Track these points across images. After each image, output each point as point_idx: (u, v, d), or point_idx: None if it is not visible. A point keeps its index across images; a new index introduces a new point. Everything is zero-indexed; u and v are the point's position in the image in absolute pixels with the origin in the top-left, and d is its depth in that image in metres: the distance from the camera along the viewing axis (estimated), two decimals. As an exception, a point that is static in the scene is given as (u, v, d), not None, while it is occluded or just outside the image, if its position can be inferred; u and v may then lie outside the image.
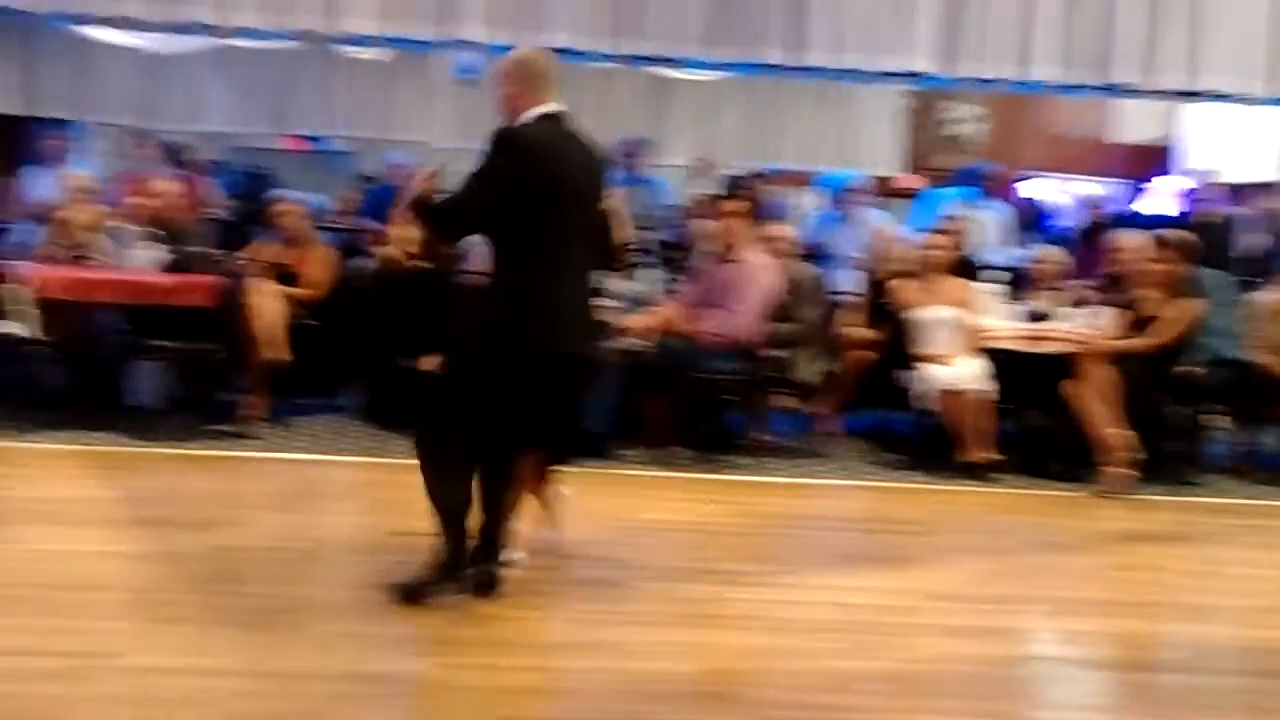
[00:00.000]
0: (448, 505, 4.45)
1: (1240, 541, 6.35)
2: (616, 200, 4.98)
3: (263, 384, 7.32)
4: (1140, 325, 7.13)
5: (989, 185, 9.98)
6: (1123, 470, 6.85)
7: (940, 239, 7.55)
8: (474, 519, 4.50)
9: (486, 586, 4.52)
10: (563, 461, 5.07)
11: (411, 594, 4.41)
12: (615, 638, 4.23)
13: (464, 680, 3.82)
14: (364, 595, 4.58)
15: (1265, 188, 10.62)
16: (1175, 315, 7.09)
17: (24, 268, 7.04)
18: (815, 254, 9.47)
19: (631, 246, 5.30)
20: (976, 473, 7.04)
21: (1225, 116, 11.09)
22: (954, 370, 7.06)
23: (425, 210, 4.48)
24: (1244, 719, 3.94)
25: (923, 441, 7.48)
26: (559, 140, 4.41)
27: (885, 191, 13.48)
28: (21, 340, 6.74)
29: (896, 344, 7.40)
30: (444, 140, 13.14)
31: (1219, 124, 11.68)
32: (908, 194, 12.65)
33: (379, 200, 9.24)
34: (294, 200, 8.21)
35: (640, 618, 4.44)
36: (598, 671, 3.95)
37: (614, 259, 5.61)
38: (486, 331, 4.40)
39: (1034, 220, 11.42)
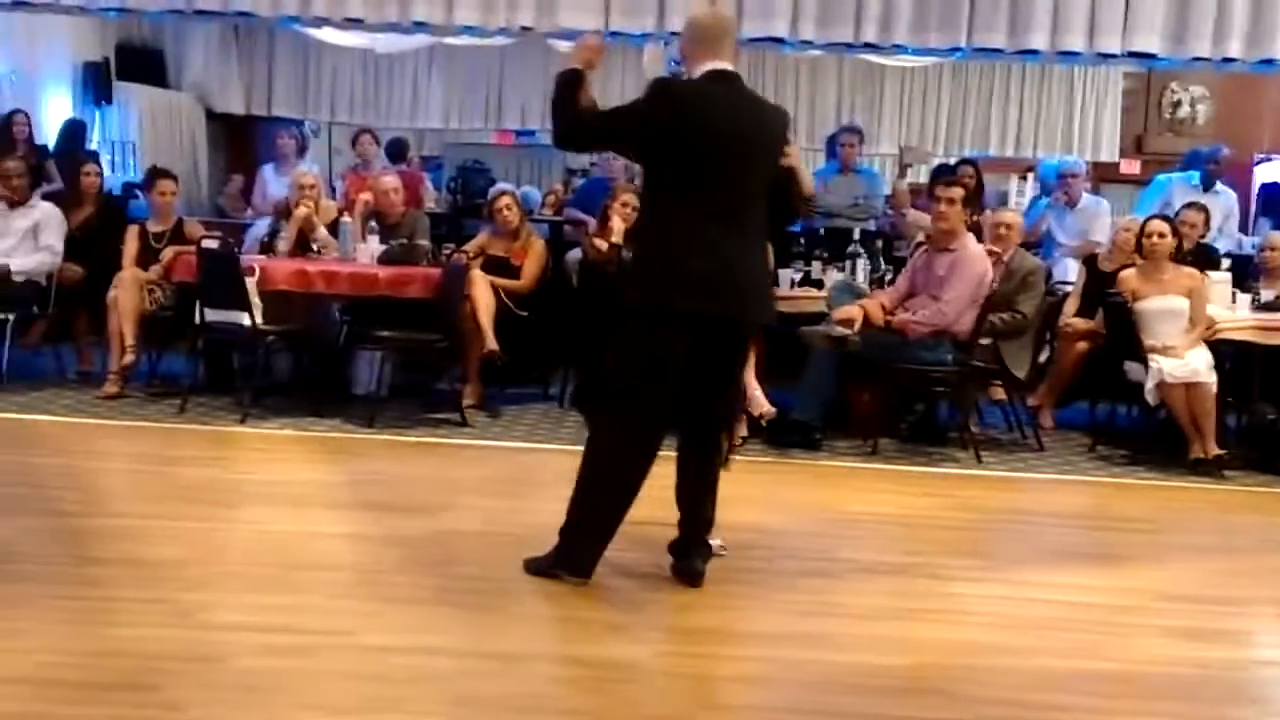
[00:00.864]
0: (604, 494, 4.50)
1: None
2: (795, 155, 4.84)
3: (478, 374, 7.52)
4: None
5: (1214, 169, 9.54)
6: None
7: (1163, 225, 7.25)
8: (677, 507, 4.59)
9: (692, 578, 4.50)
10: (716, 440, 4.68)
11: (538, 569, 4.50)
12: (824, 629, 4.20)
13: (676, 668, 3.86)
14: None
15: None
16: None
17: (255, 261, 7.37)
18: (1034, 242, 9.24)
19: (811, 202, 5.15)
20: (1205, 469, 6.76)
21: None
22: (1183, 362, 6.79)
23: (562, 93, 4.47)
24: None
25: (1147, 436, 7.22)
26: (719, 96, 4.34)
27: (1106, 178, 13.07)
28: (253, 330, 7.05)
29: (1121, 335, 7.15)
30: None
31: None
32: (1131, 180, 12.24)
33: (588, 193, 9.39)
34: (509, 193, 8.38)
35: (849, 610, 4.40)
36: (806, 662, 3.93)
37: (794, 214, 5.57)
38: (630, 286, 4.44)
39: (1269, 205, 10.91)
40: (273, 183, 9.64)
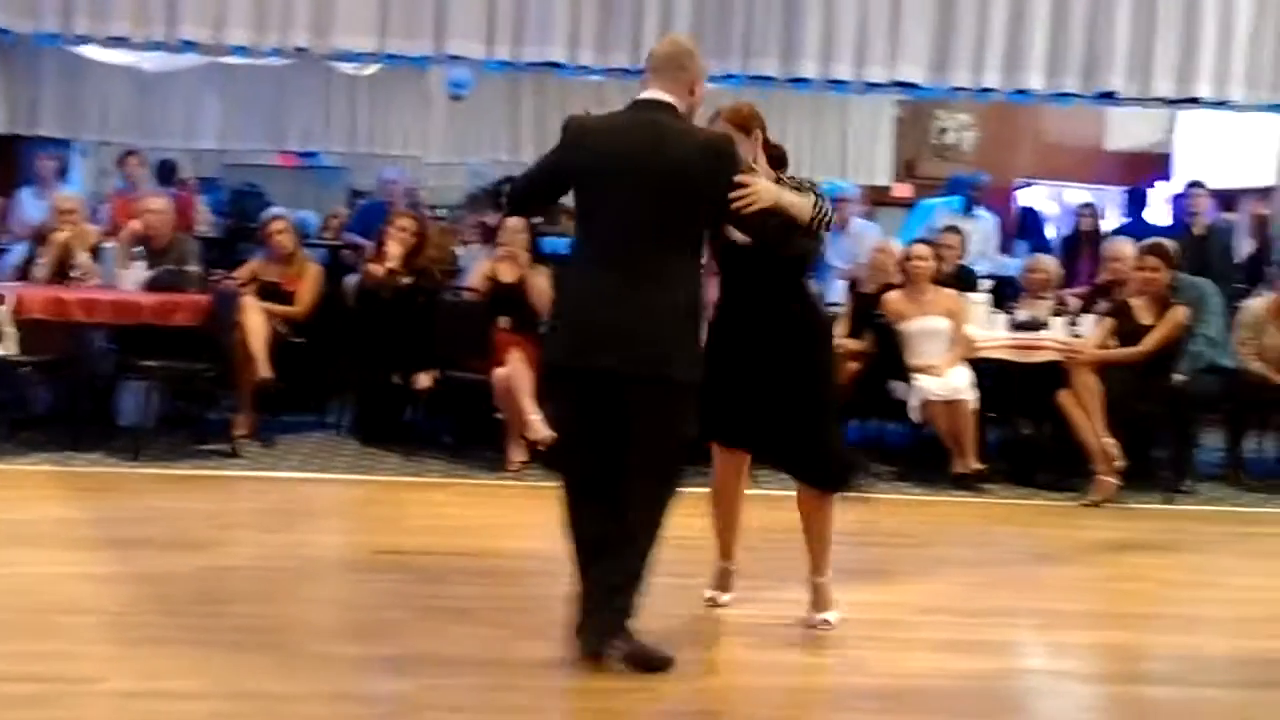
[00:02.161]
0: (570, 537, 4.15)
1: (1231, 550, 6.33)
2: (761, 191, 3.99)
3: (251, 403, 7.32)
4: (1129, 334, 7.12)
5: (977, 194, 9.98)
6: (1112, 479, 6.85)
7: (924, 249, 7.55)
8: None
9: (582, 649, 4.07)
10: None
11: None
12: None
13: (450, 700, 3.79)
14: (350, 615, 4.57)
15: (1256, 194, 10.64)
16: (1163, 323, 7.08)
17: (6, 288, 7.04)
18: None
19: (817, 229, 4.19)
20: (966, 483, 7.03)
21: (1218, 123, 11.09)
22: (944, 380, 7.05)
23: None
24: (1233, 731, 3.91)
25: (913, 452, 7.47)
26: (619, 126, 4.06)
27: (879, 201, 13.52)
28: (5, 361, 6.72)
29: (886, 354, 7.40)
30: (438, 155, 13.17)
31: (1212, 131, 11.68)
32: (903, 203, 12.67)
33: (369, 215, 9.25)
34: (282, 216, 8.20)
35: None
36: (584, 691, 3.93)
37: (796, 251, 4.37)
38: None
39: (1027, 229, 11.43)
40: (30, 206, 9.22)
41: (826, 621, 4.53)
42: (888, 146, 13.62)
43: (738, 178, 3.97)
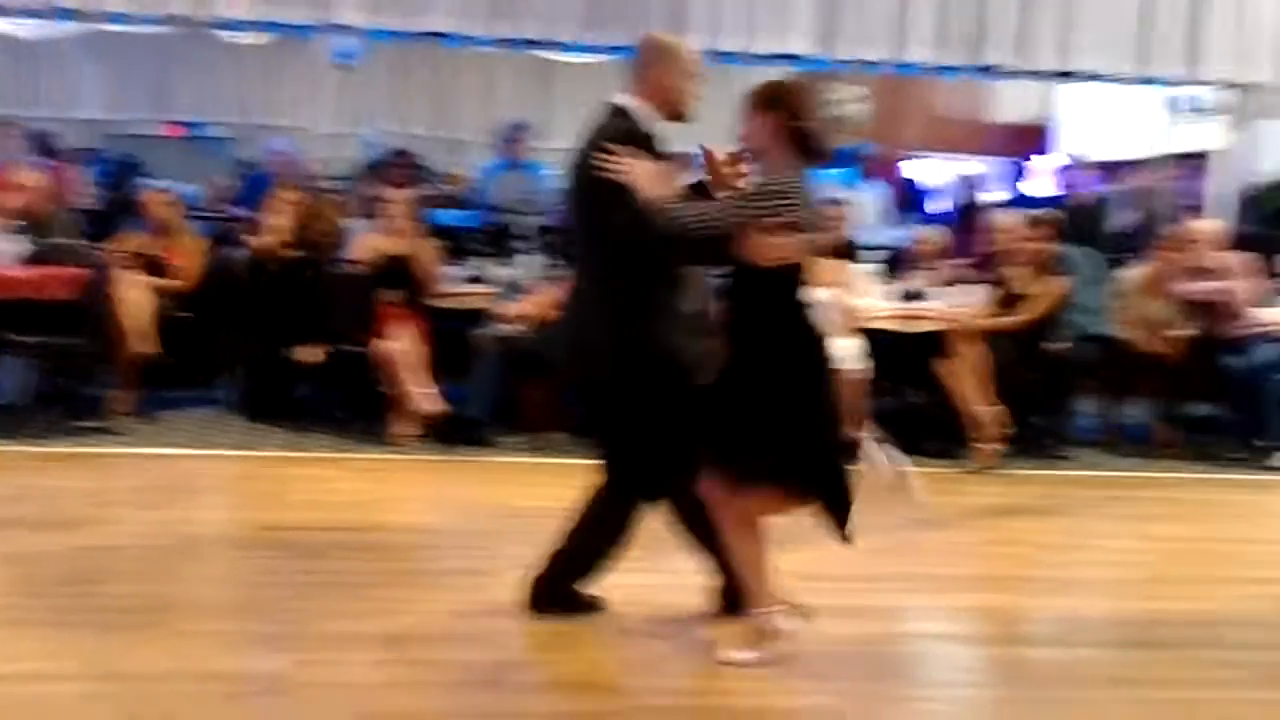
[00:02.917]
0: None
1: (1108, 513, 6.49)
2: (631, 169, 3.85)
3: (131, 378, 7.16)
4: (1011, 303, 7.25)
5: (867, 166, 10.08)
6: (994, 446, 6.98)
7: (814, 221, 7.58)
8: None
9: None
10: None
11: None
12: (482, 628, 4.20)
13: (326, 677, 3.76)
14: (229, 592, 4.51)
15: (1136, 166, 10.87)
16: (1044, 293, 7.22)
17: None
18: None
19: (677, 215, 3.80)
20: (852, 451, 7.11)
21: (1100, 96, 11.30)
22: (831, 350, 7.10)
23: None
24: (1111, 690, 4.00)
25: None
26: (582, 138, 4.09)
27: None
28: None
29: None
30: (327, 126, 12.98)
31: (1094, 104, 11.91)
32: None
33: (255, 187, 9.09)
34: (162, 189, 8.03)
35: (508, 607, 4.40)
36: (466, 663, 3.92)
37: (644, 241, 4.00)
38: None
39: (914, 200, 11.58)
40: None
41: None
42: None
43: (614, 147, 3.88)
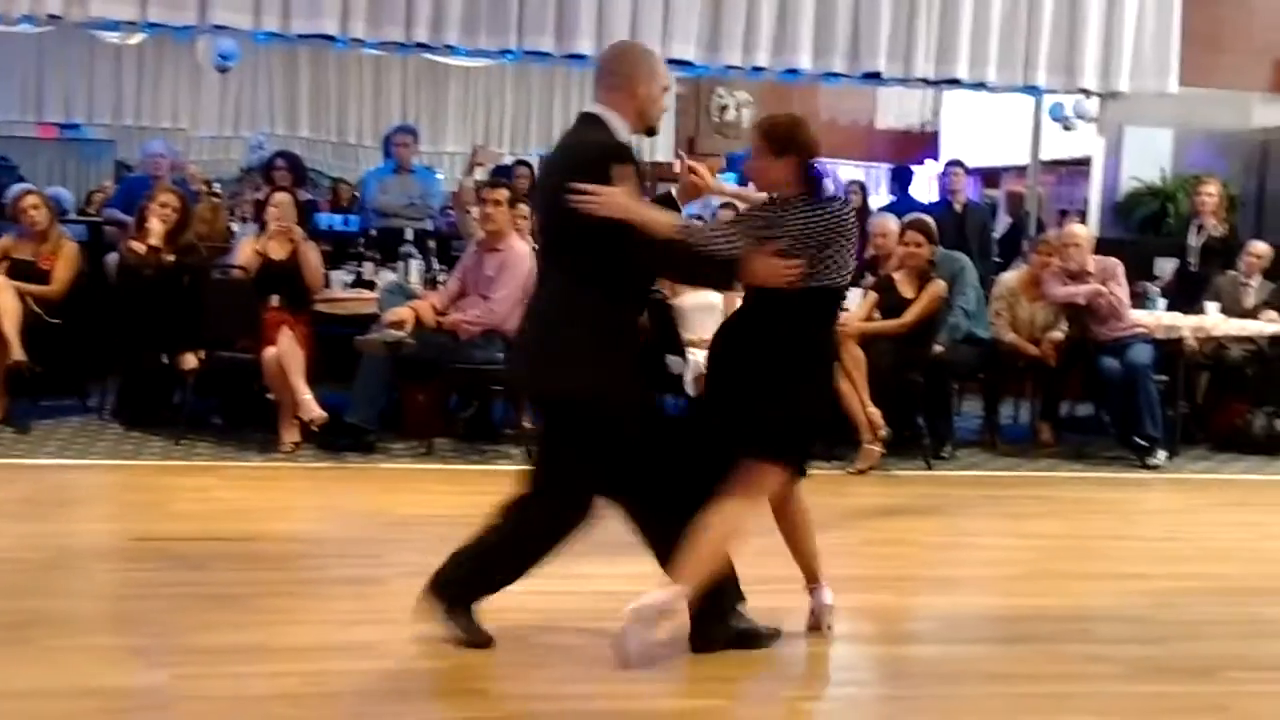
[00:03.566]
0: None
1: (988, 512, 6.62)
2: (609, 200, 3.76)
3: (3, 386, 6.97)
4: (892, 306, 7.37)
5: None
6: (876, 447, 7.09)
7: (700, 226, 7.64)
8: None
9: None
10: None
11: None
12: (369, 637, 4.16)
13: (207, 690, 3.70)
14: (105, 606, 4.41)
15: (1015, 171, 11.13)
16: (923, 296, 7.35)
17: None
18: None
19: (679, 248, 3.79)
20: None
21: (981, 104, 11.55)
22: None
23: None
24: (987, 686, 4.07)
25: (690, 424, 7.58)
26: (553, 150, 4.15)
27: (663, 177, 13.64)
28: None
29: (662, 330, 7.48)
30: (208, 129, 12.78)
31: (975, 111, 12.17)
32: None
33: (128, 192, 8.89)
34: (35, 191, 7.82)
35: (393, 616, 4.36)
36: (348, 673, 3.87)
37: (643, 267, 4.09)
38: None
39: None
40: None
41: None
42: (668, 123, 13.78)
43: (586, 185, 3.75)
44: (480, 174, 10.50)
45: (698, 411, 4.09)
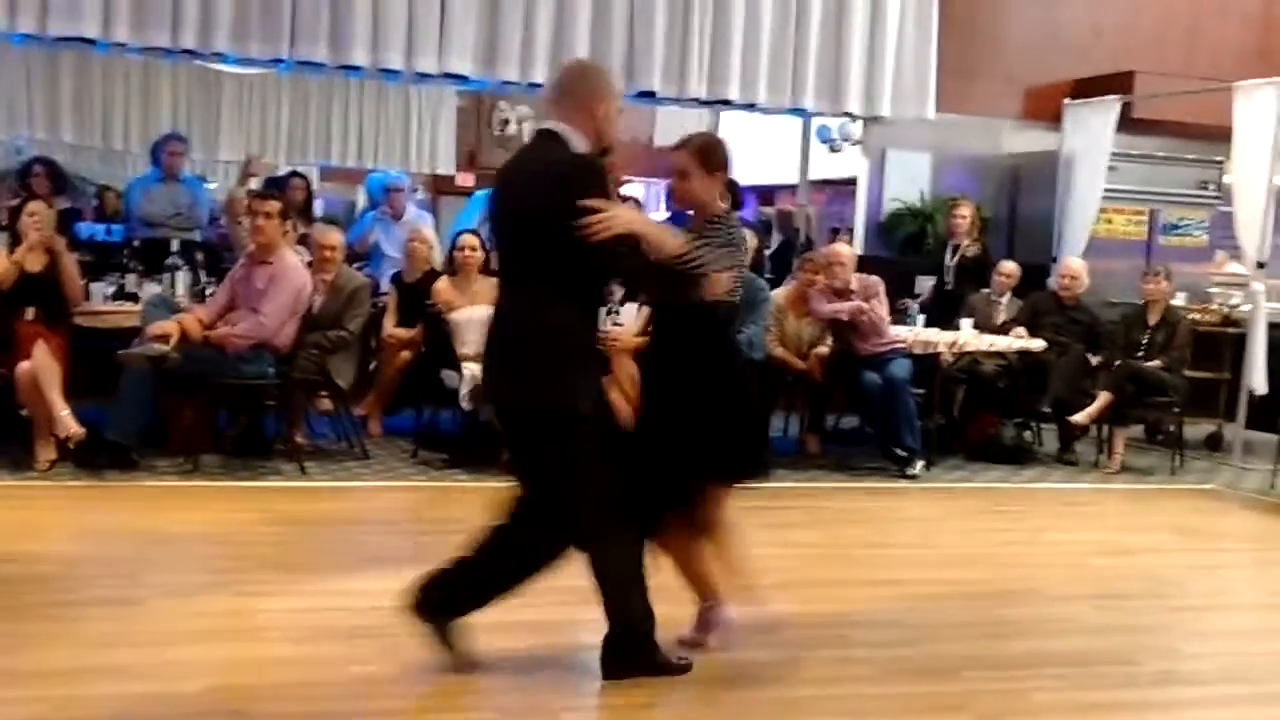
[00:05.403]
0: None
1: (753, 523, 6.53)
2: (614, 219, 3.79)
3: None
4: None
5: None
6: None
7: (472, 240, 7.70)
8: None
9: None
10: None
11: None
12: (121, 660, 4.06)
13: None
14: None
15: (788, 191, 11.47)
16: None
17: None
18: (364, 254, 9.44)
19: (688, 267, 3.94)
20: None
21: (756, 124, 11.86)
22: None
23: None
24: (747, 690, 4.19)
25: (464, 439, 7.59)
26: (513, 161, 4.15)
27: (443, 190, 13.62)
28: None
29: (436, 344, 7.48)
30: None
31: (751, 130, 12.48)
32: (465, 192, 12.82)
33: None
34: None
35: (150, 637, 4.28)
36: (98, 698, 3.77)
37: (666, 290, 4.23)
38: None
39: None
40: None
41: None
42: (450, 136, 13.75)
43: (590, 203, 3.76)
44: (254, 184, 10.29)
45: (636, 436, 4.18)
